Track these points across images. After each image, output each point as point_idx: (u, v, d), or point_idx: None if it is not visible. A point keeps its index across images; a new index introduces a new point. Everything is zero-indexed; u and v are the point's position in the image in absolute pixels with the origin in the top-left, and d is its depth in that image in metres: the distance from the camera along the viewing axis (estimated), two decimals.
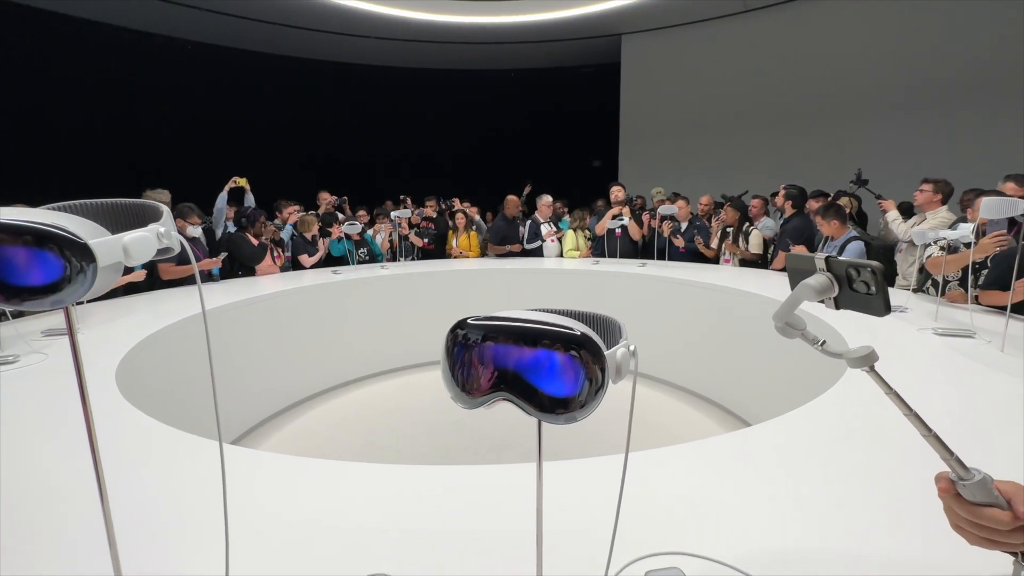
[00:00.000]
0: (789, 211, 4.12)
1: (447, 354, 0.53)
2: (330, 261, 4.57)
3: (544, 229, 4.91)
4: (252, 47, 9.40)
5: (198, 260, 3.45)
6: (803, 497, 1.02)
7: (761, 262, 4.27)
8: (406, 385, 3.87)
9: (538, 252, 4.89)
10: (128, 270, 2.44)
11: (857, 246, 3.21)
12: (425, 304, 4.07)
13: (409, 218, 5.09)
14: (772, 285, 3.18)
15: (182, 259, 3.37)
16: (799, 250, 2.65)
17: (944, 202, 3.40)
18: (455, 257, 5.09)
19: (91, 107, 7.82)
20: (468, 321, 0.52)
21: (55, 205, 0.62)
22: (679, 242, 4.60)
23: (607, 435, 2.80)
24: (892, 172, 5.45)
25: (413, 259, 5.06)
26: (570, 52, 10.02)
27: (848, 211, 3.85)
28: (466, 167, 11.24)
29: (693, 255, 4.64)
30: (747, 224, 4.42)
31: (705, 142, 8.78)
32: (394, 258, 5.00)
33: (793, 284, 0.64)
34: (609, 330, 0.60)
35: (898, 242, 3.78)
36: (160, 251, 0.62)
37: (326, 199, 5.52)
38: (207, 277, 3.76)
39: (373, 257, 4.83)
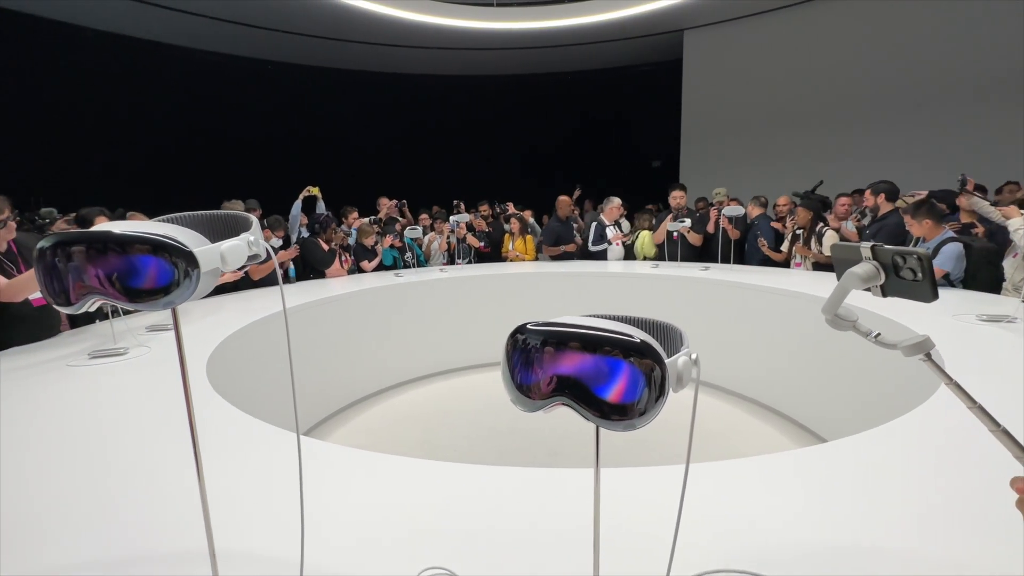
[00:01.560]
0: (886, 206, 3.75)
1: (507, 358, 0.54)
2: (380, 269, 4.62)
3: (611, 232, 4.83)
4: (330, 64, 10.05)
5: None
6: (881, 520, 0.95)
7: None
8: (463, 386, 3.95)
9: (602, 255, 4.80)
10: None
11: (953, 248, 2.88)
12: (482, 307, 4.14)
13: (469, 222, 5.18)
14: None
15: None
16: None
17: None
18: (511, 260, 5.14)
19: (186, 125, 8.80)
20: (528, 326, 0.53)
21: (163, 217, 0.70)
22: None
23: (656, 444, 2.71)
24: (979, 170, 4.84)
25: (470, 262, 5.16)
26: (630, 51, 9.84)
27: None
28: (522, 171, 11.33)
29: (761, 259, 4.39)
30: (820, 224, 4.10)
31: (771, 140, 8.29)
32: (451, 261, 5.12)
33: (839, 274, 0.65)
34: (670, 337, 0.59)
35: (1012, 244, 3.34)
36: (250, 257, 0.69)
37: (385, 204, 5.74)
38: (284, 278, 4.04)
39: (417, 261, 4.88)
